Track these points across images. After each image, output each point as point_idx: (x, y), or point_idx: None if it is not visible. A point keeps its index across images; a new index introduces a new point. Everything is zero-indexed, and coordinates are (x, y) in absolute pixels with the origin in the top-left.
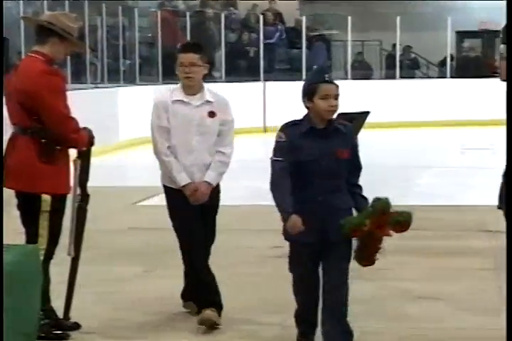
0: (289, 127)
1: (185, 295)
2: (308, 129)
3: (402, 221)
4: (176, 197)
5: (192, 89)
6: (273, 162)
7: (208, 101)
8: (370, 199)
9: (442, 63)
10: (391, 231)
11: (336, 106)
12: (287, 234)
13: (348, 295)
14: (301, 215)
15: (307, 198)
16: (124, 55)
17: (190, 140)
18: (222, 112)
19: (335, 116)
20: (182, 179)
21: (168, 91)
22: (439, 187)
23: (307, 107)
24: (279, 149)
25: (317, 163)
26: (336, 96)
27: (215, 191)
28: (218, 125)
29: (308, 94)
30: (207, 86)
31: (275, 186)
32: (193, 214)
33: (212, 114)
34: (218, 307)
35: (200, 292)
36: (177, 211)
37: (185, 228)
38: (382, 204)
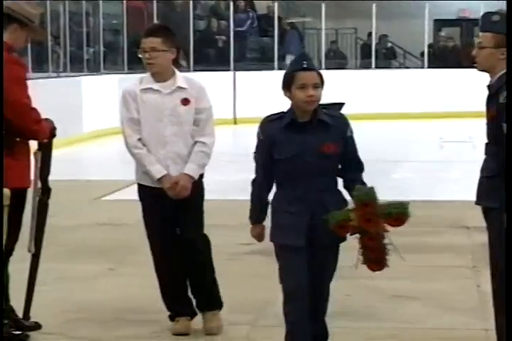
0: (267, 122)
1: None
2: (288, 123)
3: (393, 213)
4: (148, 196)
5: (161, 75)
6: (254, 157)
7: (181, 88)
8: None
9: (422, 54)
10: (387, 226)
11: (315, 96)
12: (273, 236)
13: (327, 303)
14: (288, 216)
15: (294, 198)
16: (87, 43)
17: (162, 131)
18: (197, 99)
19: None
20: (157, 171)
21: (137, 80)
22: (415, 182)
23: (289, 98)
24: (257, 146)
25: (301, 159)
26: (316, 85)
27: (198, 185)
28: (193, 113)
29: (286, 84)
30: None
31: (254, 186)
32: (164, 217)
33: (185, 102)
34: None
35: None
36: (148, 214)
37: (153, 236)
38: (362, 194)
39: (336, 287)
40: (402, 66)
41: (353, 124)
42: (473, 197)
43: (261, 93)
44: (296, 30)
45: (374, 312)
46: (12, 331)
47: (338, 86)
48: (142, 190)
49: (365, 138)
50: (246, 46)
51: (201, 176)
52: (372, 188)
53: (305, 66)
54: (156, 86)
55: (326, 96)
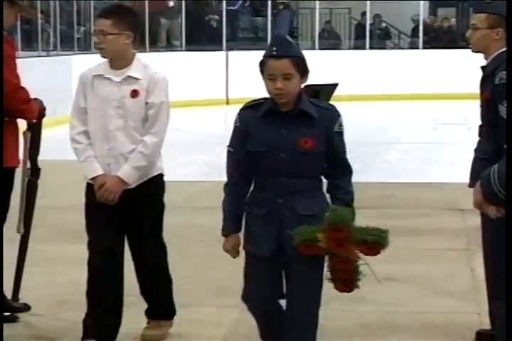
0: (246, 108)
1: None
2: (265, 112)
3: (369, 241)
4: (90, 196)
5: (115, 62)
6: (227, 152)
7: (132, 78)
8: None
9: (414, 33)
10: (360, 253)
11: (284, 89)
12: (244, 241)
13: (315, 328)
14: (256, 221)
15: (265, 199)
16: (78, 22)
17: (107, 124)
18: (148, 92)
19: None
20: (92, 170)
21: (98, 64)
22: (408, 164)
23: None
24: (233, 135)
25: (275, 156)
26: (287, 76)
27: (149, 189)
28: (143, 107)
29: (260, 70)
30: (143, 59)
31: (226, 189)
32: (106, 221)
33: (134, 94)
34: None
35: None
36: (89, 215)
37: (92, 239)
38: (335, 217)
39: (325, 270)
40: (397, 47)
41: (347, 105)
42: (467, 179)
43: (254, 73)
44: (288, 9)
45: (365, 296)
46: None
47: (331, 66)
48: (88, 187)
49: (359, 119)
50: (238, 26)
51: (161, 177)
52: (349, 210)
53: (274, 53)
54: (108, 73)
55: (320, 77)
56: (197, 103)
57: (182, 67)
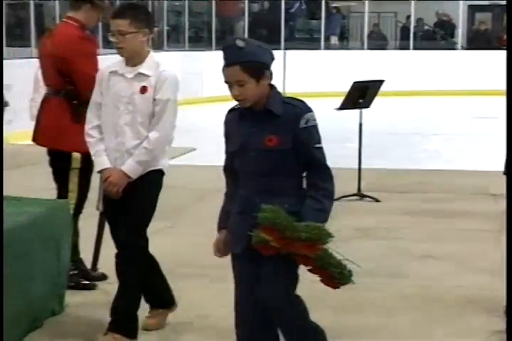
0: (230, 111)
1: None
2: (241, 112)
3: (303, 238)
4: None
5: (131, 60)
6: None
7: (143, 74)
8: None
9: (452, 35)
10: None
11: (240, 95)
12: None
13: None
14: (234, 218)
15: (241, 198)
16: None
17: (117, 119)
18: (156, 89)
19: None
20: (99, 163)
21: (116, 61)
22: (445, 153)
23: None
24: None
25: (245, 154)
26: (240, 83)
27: (145, 184)
28: (151, 103)
29: None
30: (157, 57)
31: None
32: (114, 209)
33: (143, 90)
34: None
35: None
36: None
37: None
38: (260, 216)
39: (371, 248)
40: (438, 47)
41: (392, 100)
42: (500, 168)
43: (308, 70)
44: (339, 13)
45: (406, 271)
46: (81, 281)
47: (378, 65)
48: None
49: (402, 112)
50: (295, 27)
51: (159, 172)
52: (276, 209)
53: (224, 61)
54: (122, 70)
55: (368, 74)
56: None
57: None
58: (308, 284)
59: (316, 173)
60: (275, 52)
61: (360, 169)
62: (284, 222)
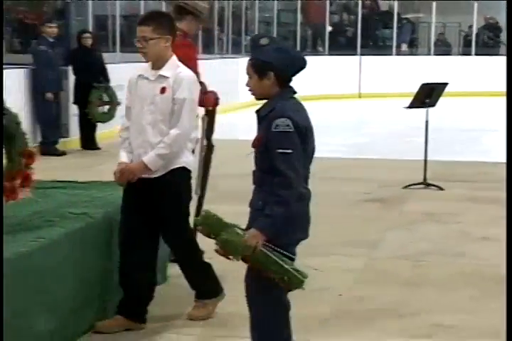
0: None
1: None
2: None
3: (220, 239)
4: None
5: (154, 64)
6: None
7: (163, 76)
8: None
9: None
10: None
11: (248, 86)
12: None
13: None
14: None
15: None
16: (245, 32)
17: (141, 119)
18: (173, 89)
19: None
20: (120, 156)
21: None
22: (501, 147)
23: None
24: None
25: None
26: (249, 76)
27: (173, 186)
28: (170, 103)
29: None
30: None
31: None
32: (133, 208)
33: (163, 90)
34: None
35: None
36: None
37: (122, 224)
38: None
39: (435, 230)
40: (497, 53)
41: (454, 100)
42: None
43: (381, 73)
44: (410, 23)
45: (465, 252)
46: None
47: (443, 69)
48: None
49: (464, 111)
50: (370, 36)
51: (182, 170)
52: (208, 213)
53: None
54: (147, 73)
55: (434, 77)
56: (335, 96)
57: (325, 68)
58: (379, 261)
59: (275, 178)
60: (352, 58)
61: (426, 161)
62: (210, 224)
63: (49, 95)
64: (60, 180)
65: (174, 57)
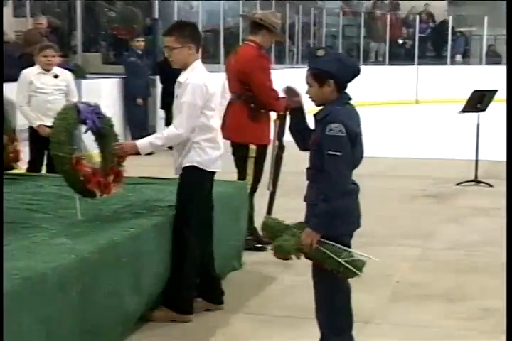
0: None
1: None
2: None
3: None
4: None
5: (183, 70)
6: None
7: (179, 82)
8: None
9: None
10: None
11: (308, 94)
12: None
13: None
14: None
15: None
16: (313, 43)
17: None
18: (180, 94)
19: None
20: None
21: None
22: None
23: None
24: None
25: None
26: (309, 84)
27: (184, 178)
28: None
29: None
30: (201, 67)
31: None
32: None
33: (177, 96)
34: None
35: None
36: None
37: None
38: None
39: (484, 223)
40: None
41: (501, 105)
42: None
43: (437, 81)
44: (463, 36)
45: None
46: (255, 244)
47: (494, 77)
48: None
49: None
50: (426, 48)
51: (195, 169)
52: (266, 222)
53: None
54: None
55: (486, 85)
56: (394, 102)
57: (385, 77)
58: (433, 251)
59: (325, 178)
60: (410, 68)
61: (477, 160)
62: (275, 228)
63: (139, 100)
64: (148, 177)
65: (195, 63)
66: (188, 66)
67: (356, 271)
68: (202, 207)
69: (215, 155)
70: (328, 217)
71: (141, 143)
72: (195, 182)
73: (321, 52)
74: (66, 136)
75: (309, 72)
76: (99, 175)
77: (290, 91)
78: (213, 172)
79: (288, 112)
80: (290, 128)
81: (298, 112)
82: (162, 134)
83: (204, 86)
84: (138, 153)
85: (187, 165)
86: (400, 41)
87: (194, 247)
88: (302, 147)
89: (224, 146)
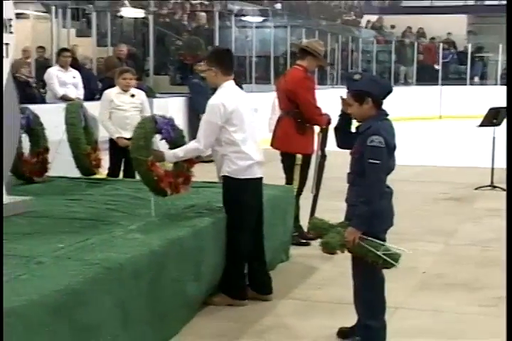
0: None
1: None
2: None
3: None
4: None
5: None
6: None
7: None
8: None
9: None
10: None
11: (350, 111)
12: None
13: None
14: None
15: None
16: (351, 67)
17: None
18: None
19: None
20: None
21: None
22: None
23: None
24: None
25: None
26: (349, 104)
27: (225, 187)
28: None
29: None
30: (227, 87)
31: None
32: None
33: None
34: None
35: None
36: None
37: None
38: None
39: (499, 223)
40: None
41: None
42: None
43: (457, 99)
44: (481, 61)
45: None
46: (300, 240)
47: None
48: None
49: None
50: (449, 71)
51: (227, 184)
52: (313, 223)
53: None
54: None
55: (500, 102)
56: (418, 117)
57: (413, 96)
58: (454, 246)
59: (364, 182)
60: (435, 88)
61: (493, 168)
62: (321, 227)
63: (201, 116)
64: (210, 181)
65: (224, 84)
66: (218, 87)
67: (394, 263)
68: (244, 209)
69: (245, 165)
70: (367, 217)
71: (167, 153)
72: (230, 188)
73: (357, 76)
74: (144, 142)
75: (349, 94)
76: (170, 177)
77: (343, 100)
78: (249, 179)
79: (329, 124)
80: (336, 127)
81: (346, 115)
82: (185, 147)
83: (222, 105)
84: (164, 160)
85: (221, 175)
86: (436, 66)
87: (240, 243)
88: (339, 144)
89: (272, 155)
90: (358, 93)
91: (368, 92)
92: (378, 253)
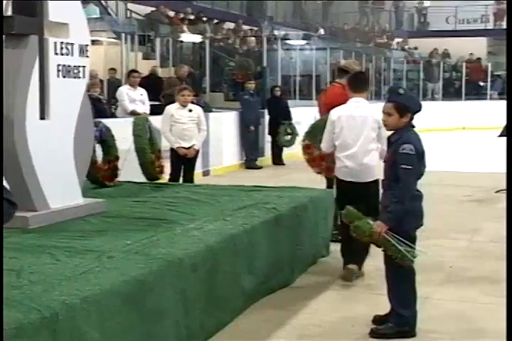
0: None
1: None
2: None
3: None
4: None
5: None
6: None
7: None
8: None
9: None
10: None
11: (385, 121)
12: None
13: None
14: None
15: None
16: (383, 84)
17: None
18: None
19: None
20: None
21: None
22: None
23: None
24: None
25: None
26: (388, 113)
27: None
28: None
29: None
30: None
31: None
32: None
33: None
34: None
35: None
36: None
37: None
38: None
39: None
40: None
41: None
42: None
43: (479, 113)
44: (500, 78)
45: None
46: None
47: None
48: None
49: None
50: (471, 87)
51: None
52: (347, 211)
53: (387, 99)
54: None
55: None
56: (443, 129)
57: (439, 109)
58: (477, 243)
59: (398, 184)
60: (459, 103)
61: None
62: (353, 216)
63: (251, 128)
64: (259, 185)
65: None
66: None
67: (411, 259)
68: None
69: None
70: (397, 214)
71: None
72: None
73: (402, 90)
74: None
75: (392, 104)
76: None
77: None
78: (344, 181)
79: None
80: None
81: None
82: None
83: (331, 116)
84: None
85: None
86: (481, 83)
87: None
88: None
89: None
90: (400, 106)
91: (410, 108)
92: (399, 248)
